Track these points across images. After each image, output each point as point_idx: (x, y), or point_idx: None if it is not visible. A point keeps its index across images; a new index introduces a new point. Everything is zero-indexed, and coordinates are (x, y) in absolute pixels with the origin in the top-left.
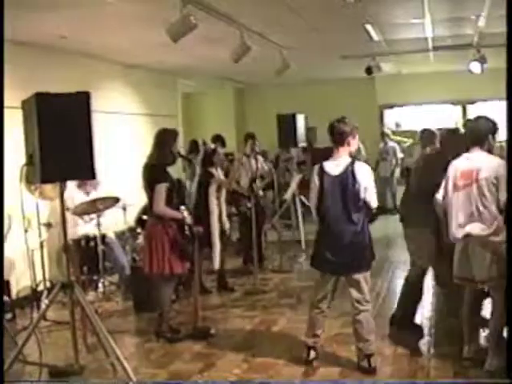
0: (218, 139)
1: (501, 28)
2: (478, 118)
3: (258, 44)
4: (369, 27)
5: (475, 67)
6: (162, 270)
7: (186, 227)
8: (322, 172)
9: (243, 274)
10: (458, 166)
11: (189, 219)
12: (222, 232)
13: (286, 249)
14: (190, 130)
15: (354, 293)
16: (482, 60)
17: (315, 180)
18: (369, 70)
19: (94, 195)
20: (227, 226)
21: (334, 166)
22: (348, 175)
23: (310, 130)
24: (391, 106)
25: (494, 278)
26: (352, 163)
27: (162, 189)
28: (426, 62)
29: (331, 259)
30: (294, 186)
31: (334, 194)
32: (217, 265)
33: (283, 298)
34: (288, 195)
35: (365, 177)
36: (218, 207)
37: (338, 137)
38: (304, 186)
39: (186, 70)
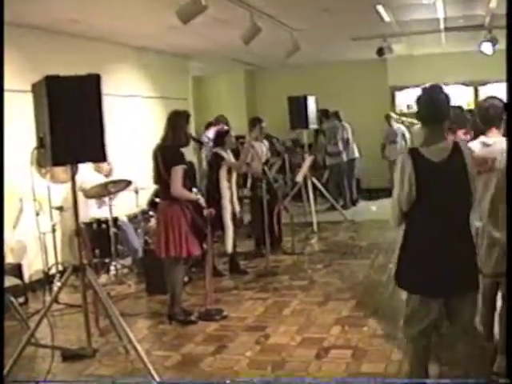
0: (222, 120)
1: None
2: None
3: (268, 26)
4: (380, 8)
5: (487, 48)
6: (179, 252)
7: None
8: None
9: (255, 256)
10: (472, 150)
11: (202, 201)
12: (234, 215)
13: (298, 231)
14: (201, 113)
15: (466, 316)
16: (494, 41)
17: (407, 169)
18: (380, 52)
19: (109, 177)
20: (238, 208)
21: (436, 151)
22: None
23: (321, 112)
24: (402, 88)
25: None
26: (457, 145)
27: (179, 171)
28: (437, 43)
29: (441, 276)
30: (305, 168)
31: (438, 186)
32: (229, 247)
33: (295, 280)
34: (300, 177)
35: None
36: (229, 190)
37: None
38: (315, 168)
39: (197, 53)
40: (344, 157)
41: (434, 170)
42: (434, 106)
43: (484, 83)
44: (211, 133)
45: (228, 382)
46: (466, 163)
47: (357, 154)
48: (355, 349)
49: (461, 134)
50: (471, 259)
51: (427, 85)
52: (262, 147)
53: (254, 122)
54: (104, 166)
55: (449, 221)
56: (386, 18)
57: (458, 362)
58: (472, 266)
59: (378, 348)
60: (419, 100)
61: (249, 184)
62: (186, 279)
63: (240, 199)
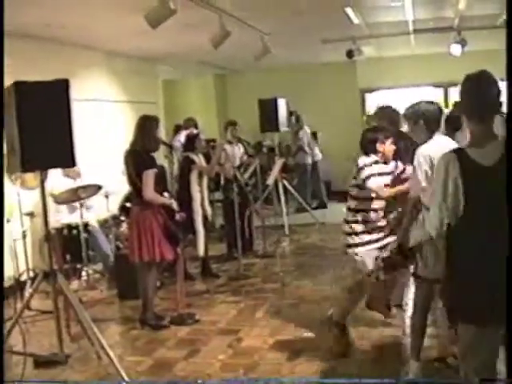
0: (191, 123)
1: (481, 11)
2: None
3: (238, 29)
4: (349, 10)
5: (456, 50)
6: (152, 256)
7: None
8: (466, 161)
9: (227, 259)
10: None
11: (175, 205)
12: (205, 218)
13: (270, 234)
14: (172, 117)
15: None
16: (463, 42)
17: (453, 173)
18: (350, 54)
19: (79, 182)
20: (209, 212)
21: (487, 153)
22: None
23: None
24: (372, 90)
25: None
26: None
27: (150, 175)
28: (406, 45)
29: (494, 303)
30: (275, 171)
31: (489, 195)
32: (201, 251)
33: (267, 282)
34: (270, 180)
35: None
36: (200, 193)
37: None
38: (286, 170)
39: (167, 57)
40: (309, 159)
41: (484, 175)
42: (484, 97)
43: (454, 84)
44: (182, 136)
45: (200, 381)
46: None
47: (319, 157)
48: (327, 350)
49: None
50: None
51: (475, 72)
52: (235, 150)
53: (228, 124)
54: (72, 169)
55: (501, 236)
56: (355, 20)
57: None
58: None
59: (350, 349)
60: (466, 89)
61: (221, 187)
62: (158, 284)
63: (211, 203)
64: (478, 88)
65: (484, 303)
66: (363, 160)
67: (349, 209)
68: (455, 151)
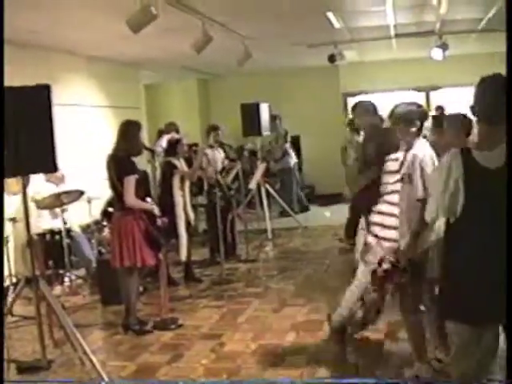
0: (172, 127)
1: (462, 14)
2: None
3: (220, 34)
4: (330, 15)
5: (437, 54)
6: (134, 261)
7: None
8: (470, 162)
9: (210, 264)
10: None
11: (156, 210)
12: (188, 223)
13: (253, 238)
14: (154, 122)
15: None
16: (444, 47)
17: (456, 172)
18: (331, 58)
19: (63, 187)
20: (192, 216)
21: (493, 156)
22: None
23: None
24: (355, 94)
25: None
26: None
27: (131, 180)
28: (388, 50)
29: (491, 304)
30: (258, 175)
31: (491, 198)
32: (184, 256)
33: (250, 287)
34: (252, 185)
35: None
36: (182, 198)
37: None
38: (269, 175)
39: (149, 62)
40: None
41: (486, 177)
42: (495, 100)
43: (435, 88)
44: (163, 141)
45: (181, 383)
46: None
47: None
48: (310, 354)
49: None
50: None
51: (489, 74)
52: (216, 155)
53: (211, 129)
54: (55, 174)
55: (500, 238)
56: (337, 24)
57: None
58: None
59: (332, 352)
60: (478, 91)
61: (204, 192)
62: (141, 289)
63: (194, 207)
64: (490, 90)
65: (480, 303)
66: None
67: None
68: (461, 150)
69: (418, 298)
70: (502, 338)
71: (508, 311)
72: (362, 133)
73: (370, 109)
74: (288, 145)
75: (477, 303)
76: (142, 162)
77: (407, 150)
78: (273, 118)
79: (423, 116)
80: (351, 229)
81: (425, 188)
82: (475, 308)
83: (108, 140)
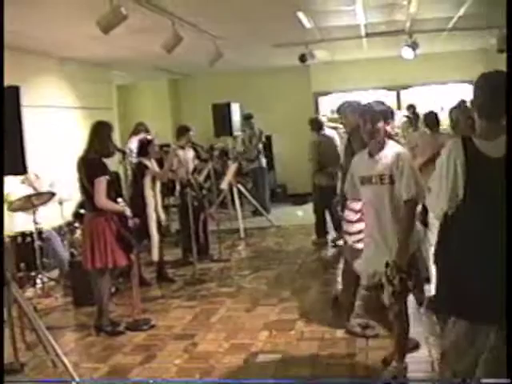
0: (141, 128)
1: (432, 13)
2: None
3: (190, 34)
4: (300, 15)
5: (407, 53)
6: (105, 263)
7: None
8: (472, 150)
9: (183, 264)
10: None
11: (128, 211)
12: (159, 223)
13: (225, 238)
14: (126, 122)
15: None
16: (414, 45)
17: (457, 160)
18: (302, 58)
19: (39, 189)
20: (163, 217)
21: (495, 146)
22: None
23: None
24: (326, 93)
25: None
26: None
27: (102, 182)
28: (359, 49)
29: (489, 298)
30: (229, 175)
31: (492, 188)
32: (155, 256)
33: (223, 287)
34: (224, 185)
35: None
36: (153, 198)
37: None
38: (241, 174)
39: (120, 62)
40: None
41: (489, 167)
42: (496, 94)
43: (406, 87)
44: (133, 142)
45: (151, 381)
46: None
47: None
48: (283, 353)
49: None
50: None
51: (490, 70)
52: (187, 155)
53: (183, 130)
54: (31, 177)
55: (500, 230)
56: (307, 24)
57: None
58: None
59: (305, 351)
60: (481, 87)
61: (177, 192)
62: (113, 290)
63: (167, 208)
64: (489, 87)
65: (477, 297)
66: None
67: None
68: (463, 139)
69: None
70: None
71: (508, 311)
72: (339, 132)
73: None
74: (261, 145)
75: (473, 298)
76: (113, 163)
77: (379, 150)
78: (247, 117)
79: (392, 115)
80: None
81: (417, 185)
82: (472, 302)
83: (80, 141)
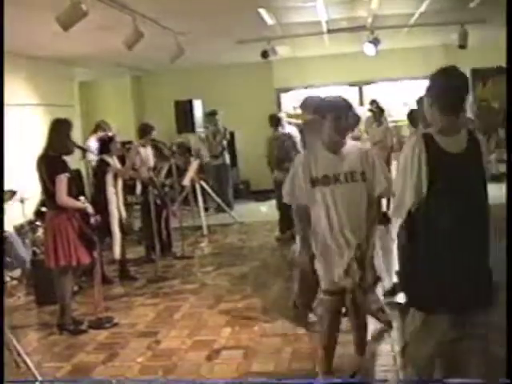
0: (102, 125)
1: (393, 10)
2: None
3: (151, 30)
4: (262, 11)
5: (369, 49)
6: (69, 261)
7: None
8: (432, 147)
9: (146, 262)
10: None
11: (89, 209)
12: (121, 221)
13: (188, 235)
14: (89, 119)
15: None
16: (376, 41)
17: (418, 157)
18: (264, 54)
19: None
20: (124, 214)
21: (454, 141)
22: (472, 153)
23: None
24: (288, 90)
25: None
26: (472, 134)
27: (63, 179)
28: (321, 45)
29: (452, 290)
30: (191, 172)
31: (454, 183)
32: (117, 254)
33: (186, 283)
34: (186, 181)
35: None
36: (115, 196)
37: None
38: (204, 171)
39: (81, 59)
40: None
41: (449, 162)
42: (455, 90)
43: (368, 83)
44: (92, 140)
45: (114, 381)
46: (483, 156)
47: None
48: (246, 349)
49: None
50: (484, 272)
51: (444, 66)
52: (148, 152)
53: (146, 128)
54: None
55: (463, 225)
56: (269, 20)
57: None
58: (483, 280)
59: (268, 347)
60: (436, 83)
61: (139, 190)
62: (75, 288)
63: (129, 205)
64: (448, 81)
65: (436, 290)
66: None
67: None
68: (424, 136)
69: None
70: None
71: (508, 311)
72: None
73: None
74: (225, 141)
75: (432, 290)
76: (75, 160)
77: (342, 147)
78: (212, 113)
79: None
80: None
81: (388, 180)
82: (432, 296)
83: (41, 139)
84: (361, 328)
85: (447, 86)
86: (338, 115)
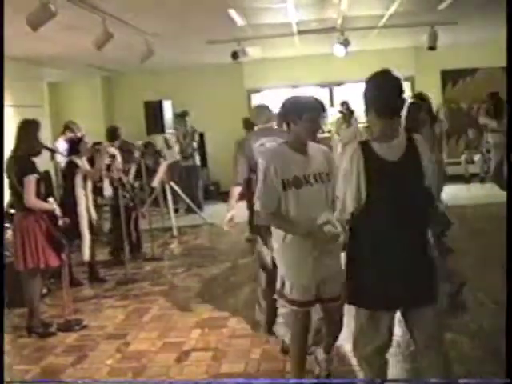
0: (71, 126)
1: (363, 11)
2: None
3: (121, 31)
4: (232, 12)
5: (339, 50)
6: (36, 263)
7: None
8: (370, 155)
9: (115, 264)
10: None
11: (58, 211)
12: (91, 222)
13: (158, 236)
14: (59, 120)
15: (428, 331)
16: (346, 43)
17: (357, 166)
18: (234, 55)
19: None
20: (94, 216)
21: (390, 148)
22: (410, 160)
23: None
24: (259, 90)
25: None
26: (412, 141)
27: (31, 181)
28: (291, 46)
29: (391, 288)
30: (161, 173)
31: (391, 189)
32: (87, 256)
33: (155, 285)
34: (155, 182)
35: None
36: (85, 197)
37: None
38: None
39: (51, 59)
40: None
41: (387, 170)
42: (391, 93)
43: (338, 84)
44: (61, 141)
45: (80, 382)
46: (422, 162)
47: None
48: (215, 350)
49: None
50: (428, 270)
51: (378, 70)
52: (118, 154)
53: (115, 131)
54: None
55: (402, 228)
56: (239, 21)
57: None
58: (428, 278)
59: (237, 348)
60: (372, 86)
61: (107, 192)
62: (44, 291)
63: (99, 207)
64: (386, 85)
65: (378, 289)
66: None
67: None
68: (360, 143)
69: None
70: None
71: (508, 310)
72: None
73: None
74: (195, 143)
75: (376, 289)
76: (44, 161)
77: (306, 147)
78: (183, 114)
79: None
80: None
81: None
82: (374, 293)
83: (10, 139)
84: (336, 332)
85: (379, 90)
86: (313, 116)
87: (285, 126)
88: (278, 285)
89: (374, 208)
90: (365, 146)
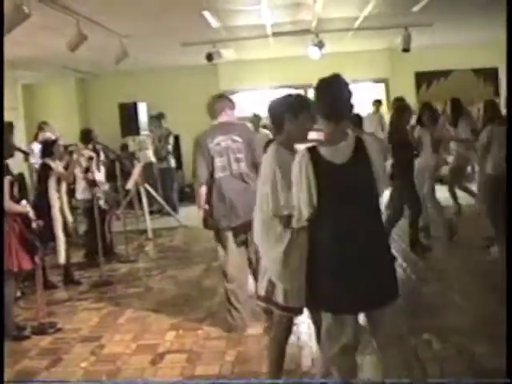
0: (44, 127)
1: (337, 13)
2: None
3: (95, 32)
4: (206, 14)
5: (313, 52)
6: (9, 266)
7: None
8: (317, 160)
9: (90, 266)
10: None
11: (31, 213)
12: (66, 225)
13: (133, 238)
14: (33, 122)
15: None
16: (320, 45)
17: (306, 171)
18: (209, 57)
19: None
20: (69, 218)
21: (338, 151)
22: (358, 161)
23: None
24: (233, 92)
25: None
26: (360, 142)
27: (4, 184)
28: (266, 48)
29: (352, 291)
30: (135, 175)
31: (341, 191)
32: (62, 259)
33: (130, 288)
34: (130, 185)
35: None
36: (59, 200)
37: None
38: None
39: (25, 61)
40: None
41: (335, 173)
42: (338, 98)
43: (313, 86)
44: (36, 144)
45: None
46: (372, 162)
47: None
48: (190, 352)
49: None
50: (386, 268)
51: (328, 75)
52: (92, 156)
53: (89, 134)
54: None
55: (356, 228)
56: (214, 23)
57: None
58: (387, 277)
59: (212, 350)
60: (320, 91)
61: (79, 194)
62: (18, 294)
63: (75, 209)
64: (333, 90)
65: (339, 291)
66: None
67: None
68: (308, 149)
69: None
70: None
71: (508, 310)
72: None
73: None
74: (170, 145)
75: (335, 291)
76: (18, 163)
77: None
78: (159, 116)
79: None
80: None
81: None
82: (335, 296)
83: None
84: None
85: (326, 95)
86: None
87: (271, 126)
88: (265, 290)
89: (327, 211)
90: (313, 151)
